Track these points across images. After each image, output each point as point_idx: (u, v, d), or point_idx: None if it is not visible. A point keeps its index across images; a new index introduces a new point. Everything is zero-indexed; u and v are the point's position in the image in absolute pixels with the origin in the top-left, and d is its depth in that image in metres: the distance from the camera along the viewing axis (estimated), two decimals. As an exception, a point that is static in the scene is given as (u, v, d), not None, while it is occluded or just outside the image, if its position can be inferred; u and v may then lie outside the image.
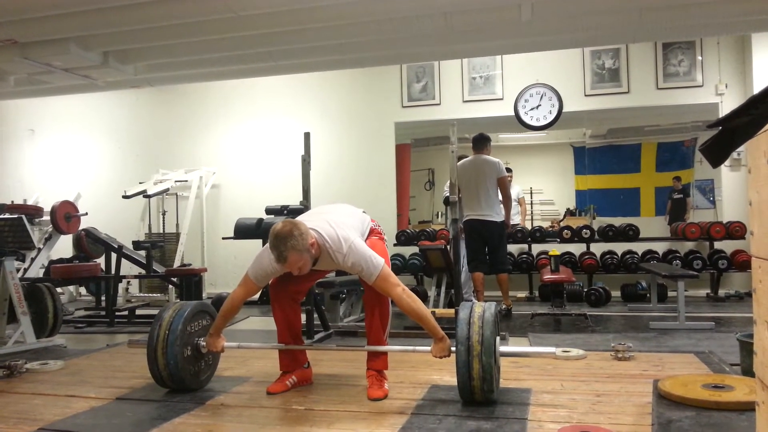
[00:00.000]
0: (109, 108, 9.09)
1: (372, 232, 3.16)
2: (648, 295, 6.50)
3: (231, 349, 3.22)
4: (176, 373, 2.99)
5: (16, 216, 5.98)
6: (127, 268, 6.87)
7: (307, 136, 4.88)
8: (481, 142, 6.12)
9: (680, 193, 8.89)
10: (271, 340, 3.27)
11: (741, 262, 6.73)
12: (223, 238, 7.60)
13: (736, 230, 6.86)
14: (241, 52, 5.75)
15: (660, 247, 7.31)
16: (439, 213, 9.64)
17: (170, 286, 7.35)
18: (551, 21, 5.18)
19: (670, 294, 6.51)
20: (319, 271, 3.13)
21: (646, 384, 2.97)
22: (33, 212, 6.95)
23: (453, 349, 2.75)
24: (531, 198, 10.99)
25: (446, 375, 3.24)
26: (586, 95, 7.62)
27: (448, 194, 6.47)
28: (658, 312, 5.90)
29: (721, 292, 6.96)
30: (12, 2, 4.51)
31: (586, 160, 10.57)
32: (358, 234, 2.94)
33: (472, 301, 3.36)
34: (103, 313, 6.34)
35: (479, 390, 2.65)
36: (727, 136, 1.61)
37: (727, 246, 6.96)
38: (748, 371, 3.08)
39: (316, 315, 4.81)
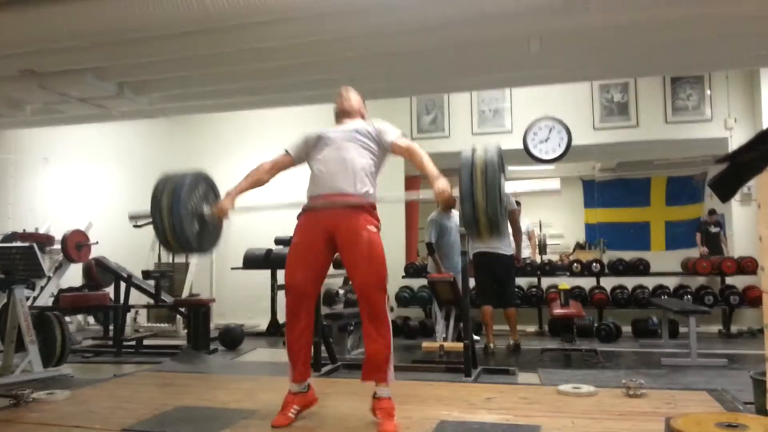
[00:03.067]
0: (122, 137, 9.21)
1: (376, 222, 3.12)
2: (659, 330, 6.42)
3: (239, 381, 3.19)
4: (182, 233, 3.09)
5: (27, 244, 6.02)
6: (136, 297, 6.87)
7: (317, 167, 4.91)
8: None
9: (717, 227, 8.43)
10: (278, 373, 3.24)
11: (753, 298, 6.65)
12: (232, 269, 7.61)
13: (747, 265, 6.79)
14: (255, 83, 5.84)
15: (671, 282, 7.24)
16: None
17: (178, 316, 7.33)
18: (560, 55, 5.23)
19: (682, 330, 6.42)
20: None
21: (658, 422, 2.91)
22: (44, 240, 7.03)
23: (456, 194, 2.84)
24: (540, 231, 10.97)
25: (455, 411, 3.20)
26: (595, 129, 7.65)
27: (431, 240, 6.32)
28: (669, 348, 5.82)
29: (734, 329, 6.86)
30: (31, 33, 4.61)
31: (595, 193, 10.58)
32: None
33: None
34: (110, 342, 6.33)
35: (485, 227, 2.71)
36: (736, 171, 1.61)
37: (738, 281, 6.89)
38: (762, 410, 3.02)
39: (323, 347, 4.78)
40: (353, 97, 3.34)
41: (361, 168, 3.07)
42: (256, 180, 3.25)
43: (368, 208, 3.08)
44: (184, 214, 3.11)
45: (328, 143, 3.16)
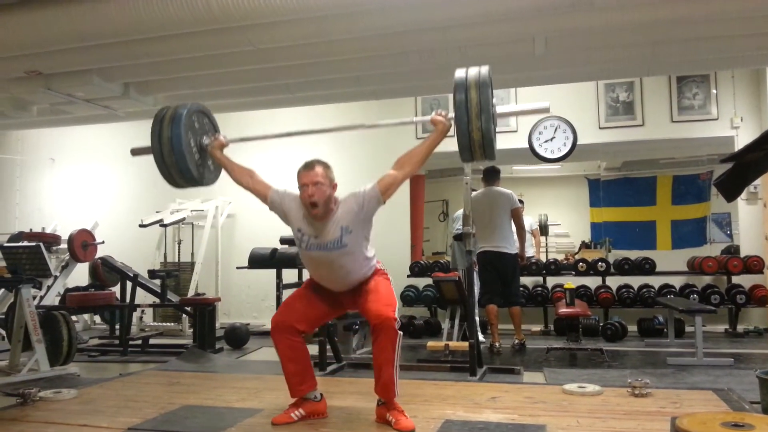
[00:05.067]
0: (128, 137, 9.16)
1: (377, 271, 3.18)
2: (665, 330, 6.40)
3: (244, 380, 3.20)
4: (182, 162, 3.20)
5: (33, 244, 6.05)
6: (142, 296, 6.90)
7: (322, 166, 4.91)
8: (493, 174, 6.13)
9: None
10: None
11: (760, 297, 6.62)
12: (238, 268, 7.62)
13: (754, 264, 6.75)
14: (260, 84, 5.85)
15: (677, 281, 7.21)
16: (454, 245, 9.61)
17: (184, 316, 7.35)
18: (565, 55, 5.23)
19: (688, 329, 6.40)
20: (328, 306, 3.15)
21: (664, 421, 2.91)
22: (51, 240, 7.05)
23: (452, 115, 2.96)
24: (546, 230, 10.93)
25: (460, 410, 3.20)
26: (600, 128, 7.62)
27: (459, 230, 6.37)
28: (675, 347, 5.80)
29: (740, 328, 6.83)
30: (37, 35, 4.63)
31: (601, 192, 10.55)
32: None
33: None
34: (116, 341, 6.36)
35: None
36: (741, 171, 1.61)
37: (745, 280, 6.85)
38: (768, 410, 3.02)
39: (328, 346, 4.79)
40: (320, 181, 2.93)
41: (360, 272, 3.06)
42: (237, 170, 3.32)
43: (371, 275, 3.12)
44: (184, 140, 3.21)
45: (316, 259, 3.05)
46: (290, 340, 3.06)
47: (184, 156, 3.21)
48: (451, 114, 2.97)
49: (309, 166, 2.98)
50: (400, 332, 2.94)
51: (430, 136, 3.09)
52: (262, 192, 3.23)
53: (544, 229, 10.04)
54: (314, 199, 2.91)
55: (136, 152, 3.64)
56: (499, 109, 3.03)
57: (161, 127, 3.23)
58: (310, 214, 2.98)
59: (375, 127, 3.36)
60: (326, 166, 3.02)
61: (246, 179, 3.27)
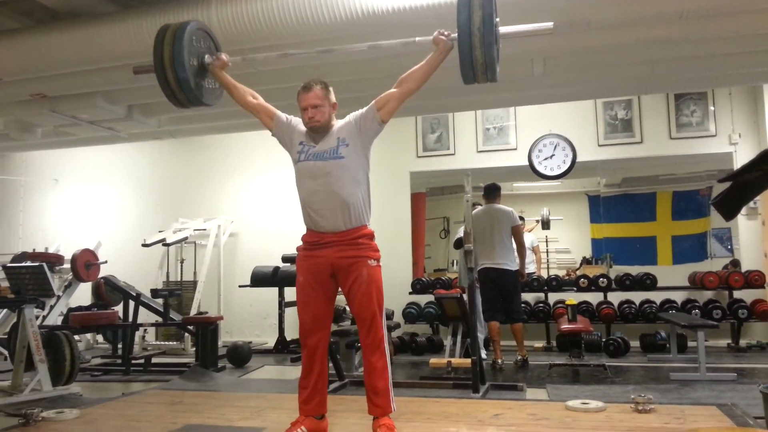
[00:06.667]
0: (130, 158, 9.30)
1: (375, 250, 3.13)
2: (668, 345, 6.40)
3: (247, 398, 3.21)
4: (185, 79, 3.17)
5: (37, 264, 6.08)
6: (145, 315, 6.90)
7: (323, 185, 4.94)
8: (494, 192, 6.17)
9: None
10: (286, 390, 3.25)
11: (761, 312, 6.63)
12: (240, 286, 7.64)
13: (755, 279, 6.77)
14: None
15: (678, 297, 7.22)
16: (455, 261, 9.59)
17: (186, 334, 7.35)
18: (563, 74, 5.28)
19: (690, 344, 6.41)
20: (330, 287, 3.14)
21: (667, 437, 2.92)
22: (54, 260, 7.09)
23: (454, 35, 2.90)
24: (546, 246, 10.96)
25: (463, 427, 3.20)
26: (599, 145, 7.68)
27: (460, 236, 6.41)
28: (678, 363, 5.80)
29: (742, 342, 6.82)
30: (42, 59, 4.70)
31: (601, 208, 10.56)
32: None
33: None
34: (119, 361, 6.36)
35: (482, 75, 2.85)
36: (739, 190, 1.63)
37: (746, 295, 6.86)
38: (771, 425, 3.02)
39: (331, 364, 4.79)
40: (319, 104, 3.02)
41: (354, 201, 3.02)
42: (240, 90, 3.33)
43: (366, 240, 3.09)
44: (186, 54, 3.20)
45: (312, 170, 3.04)
46: (309, 351, 3.11)
47: (187, 76, 3.21)
48: (454, 35, 2.94)
49: (307, 88, 3.04)
50: (387, 333, 3.00)
51: (432, 56, 3.04)
52: (268, 112, 3.26)
53: (546, 224, 10.12)
54: (315, 120, 3.01)
55: (138, 71, 3.55)
56: (501, 30, 2.97)
57: (162, 47, 3.21)
58: (311, 130, 3.07)
59: (376, 47, 3.41)
60: (325, 86, 3.07)
61: (249, 99, 3.30)
